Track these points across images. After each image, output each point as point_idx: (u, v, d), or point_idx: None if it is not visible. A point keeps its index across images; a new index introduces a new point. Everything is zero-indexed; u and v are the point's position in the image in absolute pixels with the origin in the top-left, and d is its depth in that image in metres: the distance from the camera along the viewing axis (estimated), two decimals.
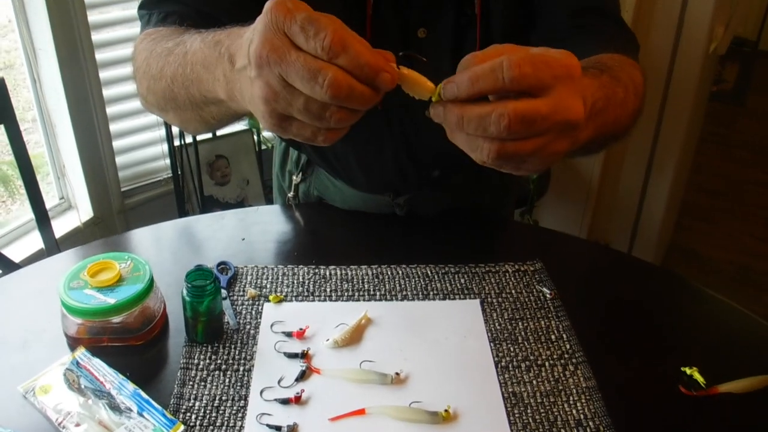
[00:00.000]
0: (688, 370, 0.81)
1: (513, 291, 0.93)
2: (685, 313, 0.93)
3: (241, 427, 0.74)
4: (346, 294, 0.92)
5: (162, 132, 2.12)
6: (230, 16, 0.90)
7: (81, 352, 0.81)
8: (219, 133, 2.14)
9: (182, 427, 0.73)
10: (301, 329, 0.86)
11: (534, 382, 0.80)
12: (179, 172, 2.13)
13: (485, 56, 0.60)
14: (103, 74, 1.98)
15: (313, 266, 0.97)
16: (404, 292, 0.93)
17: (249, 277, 0.95)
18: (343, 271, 0.96)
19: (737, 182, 3.07)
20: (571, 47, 0.93)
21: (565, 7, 0.95)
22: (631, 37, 0.98)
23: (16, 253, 1.84)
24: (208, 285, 0.81)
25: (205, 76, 0.71)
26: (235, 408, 0.76)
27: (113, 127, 2.06)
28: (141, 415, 0.73)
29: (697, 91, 2.04)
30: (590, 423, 0.75)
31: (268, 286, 0.93)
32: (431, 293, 0.93)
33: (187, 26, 0.86)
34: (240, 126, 2.19)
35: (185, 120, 0.84)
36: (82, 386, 0.77)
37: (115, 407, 0.74)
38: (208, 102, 0.74)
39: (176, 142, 2.09)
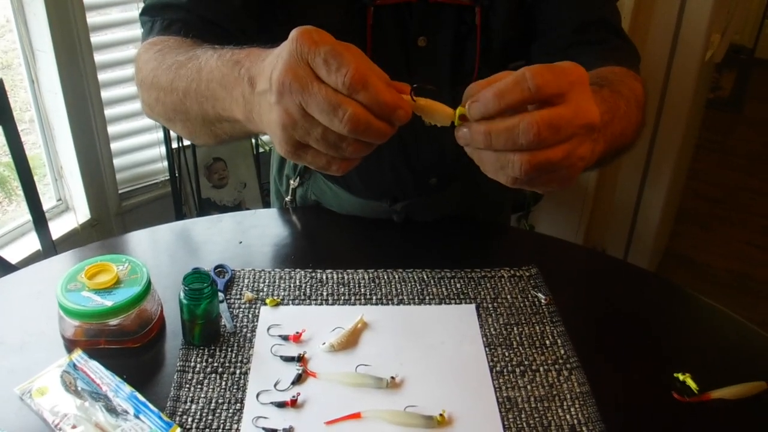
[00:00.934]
0: (681, 376, 0.82)
1: (508, 296, 0.94)
2: (679, 320, 0.94)
3: (237, 429, 0.74)
4: (342, 298, 0.93)
5: (160, 134, 2.13)
6: (234, 24, 0.91)
7: (78, 355, 0.81)
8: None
9: (178, 430, 0.73)
10: (297, 333, 0.86)
11: (528, 387, 0.80)
12: (177, 175, 2.13)
13: (488, 83, 0.62)
14: (102, 76, 1.98)
15: (310, 270, 0.97)
16: (400, 297, 0.93)
17: (246, 281, 0.95)
18: (340, 275, 0.96)
19: (734, 189, 3.09)
20: (573, 60, 0.94)
21: (569, 21, 0.95)
22: (632, 49, 0.98)
23: (12, 254, 1.84)
24: (205, 288, 0.81)
25: (221, 95, 0.72)
26: (231, 411, 0.76)
27: (111, 129, 2.07)
28: (137, 417, 0.74)
29: (693, 99, 2.05)
30: (584, 428, 0.75)
31: (265, 289, 0.94)
32: (427, 298, 0.93)
33: (192, 37, 0.86)
34: None
35: (194, 133, 0.84)
36: (79, 388, 0.77)
37: (111, 410, 0.74)
38: (222, 120, 0.75)
39: (174, 145, 2.09)
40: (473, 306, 0.92)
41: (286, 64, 0.60)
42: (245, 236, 1.06)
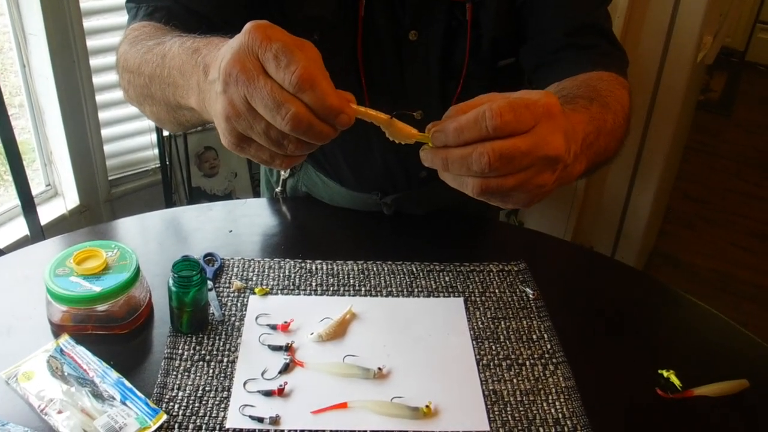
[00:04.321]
0: (665, 373, 0.83)
1: (496, 290, 0.95)
2: (664, 318, 0.95)
3: (224, 417, 0.74)
4: (331, 288, 0.93)
5: (151, 122, 2.11)
6: (219, 15, 0.91)
7: (65, 340, 0.81)
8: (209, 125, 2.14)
9: (165, 417, 0.73)
10: (285, 322, 0.86)
11: (514, 380, 0.81)
12: (167, 163, 2.13)
13: (467, 106, 0.64)
14: (94, 62, 1.96)
15: (300, 260, 0.97)
16: (389, 289, 0.94)
17: (235, 269, 0.95)
18: (329, 266, 0.97)
19: (721, 191, 3.11)
20: (563, 64, 0.95)
21: (561, 25, 0.96)
22: (622, 55, 0.99)
23: (0, 239, 1.82)
24: (194, 276, 0.81)
25: (180, 82, 0.72)
26: (218, 399, 0.76)
27: (102, 115, 2.05)
28: (124, 403, 0.74)
29: (684, 100, 2.06)
30: (568, 422, 0.76)
31: (254, 278, 0.94)
32: (416, 290, 0.94)
33: (172, 26, 0.86)
34: None
35: (160, 119, 0.85)
36: (66, 373, 0.77)
37: (98, 395, 0.74)
38: (182, 107, 0.75)
39: (165, 133, 2.08)
40: (461, 299, 0.93)
41: (235, 54, 0.59)
42: (235, 225, 1.06)
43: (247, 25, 0.60)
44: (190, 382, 0.78)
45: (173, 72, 0.73)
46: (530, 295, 0.94)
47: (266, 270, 0.95)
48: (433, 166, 0.65)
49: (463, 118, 0.62)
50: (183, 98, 0.72)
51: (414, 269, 0.97)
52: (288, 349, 0.83)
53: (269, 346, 0.83)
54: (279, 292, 0.92)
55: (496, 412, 0.77)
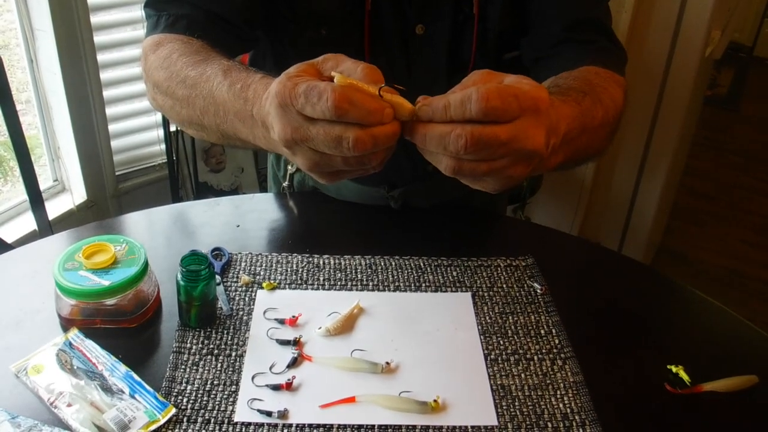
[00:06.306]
0: (674, 368, 0.82)
1: (504, 285, 0.94)
2: (673, 313, 0.95)
3: (232, 411, 0.74)
4: (339, 283, 0.93)
5: (158, 117, 2.12)
6: (239, 17, 0.92)
7: (74, 333, 0.82)
8: None
9: (173, 410, 0.73)
10: (293, 317, 0.86)
11: (522, 375, 0.81)
12: (174, 158, 2.13)
13: (464, 86, 0.65)
14: (101, 57, 1.97)
15: (307, 255, 0.97)
16: (397, 283, 0.94)
17: (243, 264, 0.95)
18: (337, 261, 0.97)
19: (728, 187, 3.10)
20: (561, 58, 0.95)
21: (562, 18, 0.96)
22: (619, 52, 0.99)
23: (8, 234, 1.83)
24: (202, 270, 0.81)
25: (241, 129, 0.76)
26: (226, 393, 0.77)
27: (109, 111, 2.06)
28: (133, 397, 0.74)
29: (691, 95, 2.05)
30: (576, 417, 0.76)
31: (262, 273, 0.94)
32: (423, 285, 0.94)
33: (198, 37, 0.88)
34: None
35: (206, 138, 0.88)
36: (75, 367, 0.77)
37: (107, 389, 0.75)
38: (244, 141, 0.79)
39: (172, 128, 2.09)
40: (469, 294, 0.92)
41: (279, 121, 0.64)
42: (243, 220, 1.06)
43: (271, 88, 0.65)
44: (198, 376, 0.78)
45: (230, 117, 0.77)
46: (538, 290, 0.94)
47: (274, 264, 0.95)
48: (412, 140, 0.66)
49: (452, 96, 0.63)
50: (249, 139, 0.77)
51: (421, 264, 0.97)
52: (296, 343, 0.83)
53: (277, 340, 0.83)
54: (287, 286, 0.92)
55: (504, 407, 0.77)
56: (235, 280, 0.92)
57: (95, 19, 1.92)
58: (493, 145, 0.62)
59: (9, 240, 1.47)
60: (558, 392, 0.79)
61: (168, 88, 0.85)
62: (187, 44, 0.87)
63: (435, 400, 0.76)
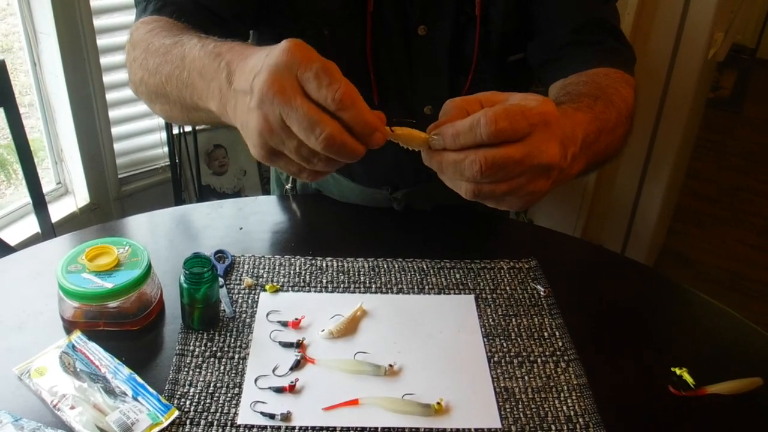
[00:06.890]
0: (677, 371, 0.82)
1: (507, 288, 0.94)
2: (676, 315, 0.94)
3: (235, 414, 0.74)
4: (342, 286, 0.93)
5: (161, 120, 2.12)
6: (228, 10, 0.91)
7: (77, 336, 0.82)
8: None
9: (176, 413, 0.73)
10: (296, 319, 0.86)
11: (526, 377, 0.81)
12: (177, 161, 2.13)
13: (464, 102, 0.65)
14: (104, 60, 1.97)
15: (310, 257, 0.97)
16: (400, 286, 0.93)
17: (246, 266, 0.95)
18: (340, 263, 0.97)
19: (731, 189, 3.09)
20: (569, 60, 0.95)
21: (569, 21, 0.96)
22: (628, 52, 0.99)
23: (11, 236, 1.83)
24: (205, 272, 0.81)
25: (200, 85, 0.72)
26: (229, 395, 0.76)
27: (112, 114, 2.06)
28: (136, 399, 0.74)
29: (694, 96, 2.05)
30: (580, 419, 0.76)
31: (265, 275, 0.94)
32: (426, 287, 0.93)
33: (183, 22, 0.86)
34: None
35: (172, 116, 0.86)
36: (78, 369, 0.77)
37: (110, 391, 0.75)
38: (198, 109, 0.76)
39: (175, 131, 2.09)
40: (472, 296, 0.92)
41: (273, 73, 0.60)
42: (246, 222, 1.06)
43: (285, 44, 0.61)
44: (201, 379, 0.78)
45: (193, 74, 0.73)
46: (541, 292, 0.93)
47: (277, 267, 0.95)
48: (432, 167, 0.67)
49: (459, 123, 0.63)
50: (201, 100, 0.73)
51: (424, 266, 0.97)
52: (299, 345, 0.83)
53: (280, 342, 0.83)
54: (290, 289, 0.92)
55: (508, 410, 0.77)
56: (238, 282, 0.92)
57: (98, 22, 1.92)
58: (509, 165, 0.62)
59: (12, 242, 1.47)
60: (561, 395, 0.79)
61: (143, 61, 0.83)
62: (172, 23, 0.86)
63: (438, 403, 0.76)
